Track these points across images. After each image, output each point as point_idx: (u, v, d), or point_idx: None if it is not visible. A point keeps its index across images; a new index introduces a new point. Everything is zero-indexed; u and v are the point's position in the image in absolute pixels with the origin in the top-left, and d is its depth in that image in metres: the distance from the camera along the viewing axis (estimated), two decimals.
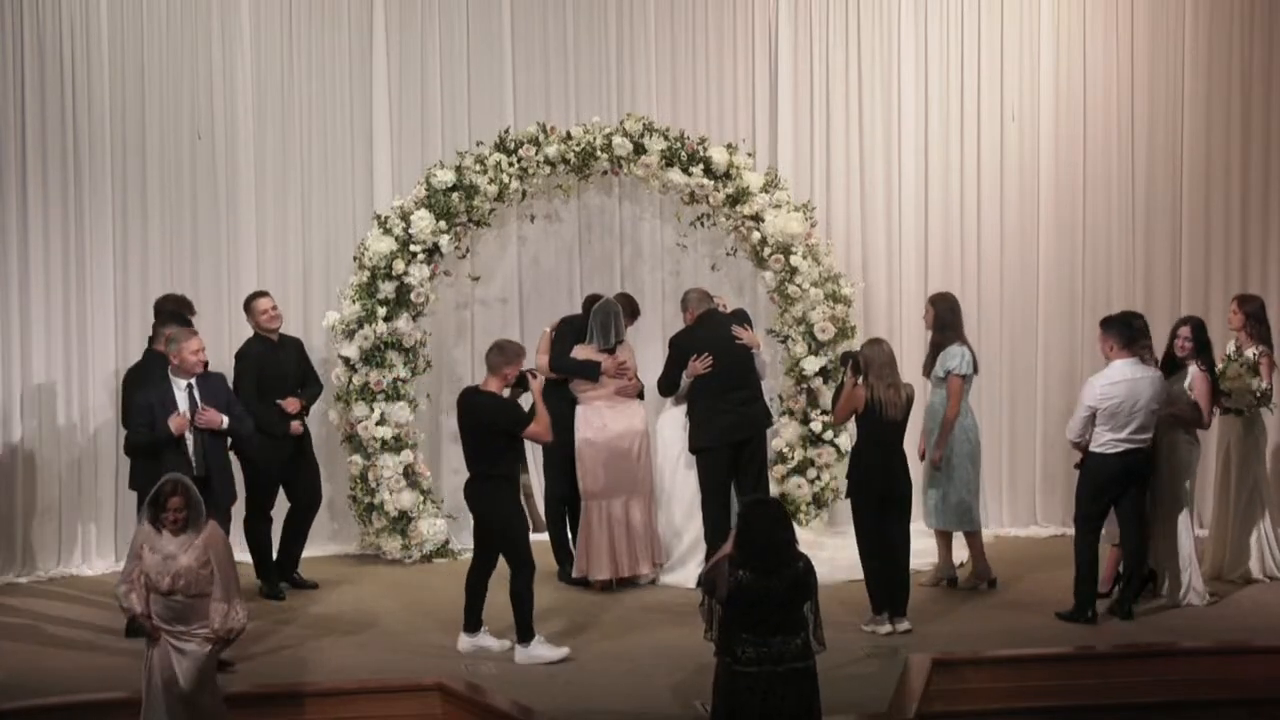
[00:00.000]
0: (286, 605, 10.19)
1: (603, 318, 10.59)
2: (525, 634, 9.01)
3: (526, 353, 9.45)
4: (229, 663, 8.52)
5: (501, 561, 9.11)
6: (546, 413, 9.14)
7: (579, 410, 10.49)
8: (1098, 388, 9.51)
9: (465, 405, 9.11)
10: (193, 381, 9.00)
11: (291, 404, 10.36)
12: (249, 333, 10.73)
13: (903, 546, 9.50)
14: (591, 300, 10.86)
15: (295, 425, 10.42)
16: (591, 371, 10.51)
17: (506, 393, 9.13)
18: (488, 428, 8.96)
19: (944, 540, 10.46)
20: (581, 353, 10.57)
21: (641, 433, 10.47)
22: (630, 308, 10.95)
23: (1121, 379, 9.47)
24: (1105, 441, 9.49)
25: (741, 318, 10.60)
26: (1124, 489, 9.56)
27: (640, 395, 10.71)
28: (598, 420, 10.45)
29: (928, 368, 10.39)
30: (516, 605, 9.00)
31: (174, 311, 10.04)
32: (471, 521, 8.91)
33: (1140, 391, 9.45)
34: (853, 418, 9.53)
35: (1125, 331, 9.59)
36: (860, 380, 9.36)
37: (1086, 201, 12.15)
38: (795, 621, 7.00)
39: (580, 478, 10.46)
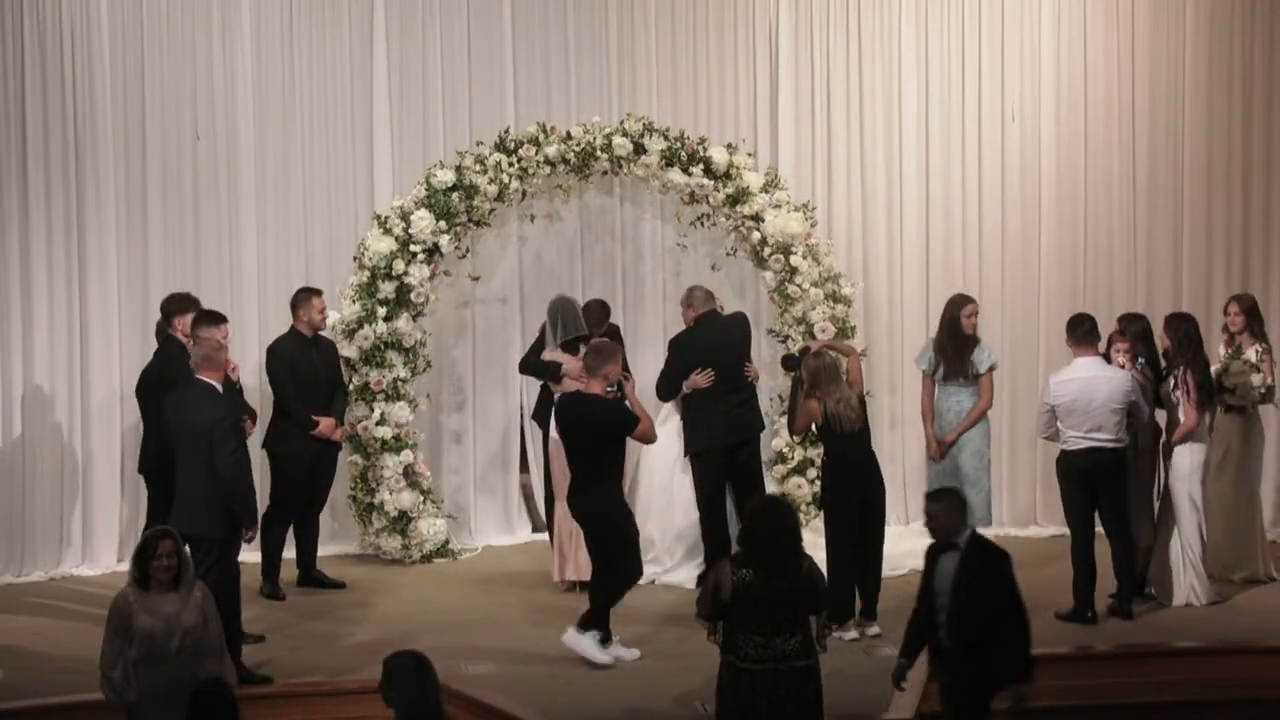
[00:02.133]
0: (286, 606, 10.19)
1: (553, 313, 10.55)
2: (588, 624, 8.89)
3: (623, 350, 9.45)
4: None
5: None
6: (646, 413, 9.11)
7: (553, 411, 10.50)
8: (1051, 385, 9.67)
9: (574, 410, 9.04)
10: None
11: (328, 427, 10.36)
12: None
13: (878, 551, 9.41)
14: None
15: (338, 433, 10.49)
16: (552, 373, 10.49)
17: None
18: (601, 431, 8.91)
19: None
20: (547, 354, 10.55)
21: None
22: (600, 315, 10.84)
23: (1073, 378, 9.55)
24: (1068, 439, 9.57)
25: (741, 321, 10.55)
26: (1097, 487, 9.56)
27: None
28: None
29: (966, 367, 10.30)
30: (594, 597, 8.92)
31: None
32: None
33: (1094, 391, 9.46)
34: (811, 428, 9.50)
35: (1080, 331, 9.65)
36: (814, 393, 9.29)
37: (1087, 201, 12.14)
38: (797, 620, 7.01)
39: (550, 478, 10.49)
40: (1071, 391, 9.50)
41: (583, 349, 10.51)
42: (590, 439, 8.93)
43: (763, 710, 6.91)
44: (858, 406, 9.33)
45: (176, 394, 8.74)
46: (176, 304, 9.97)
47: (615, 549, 8.96)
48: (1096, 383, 9.49)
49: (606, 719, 8.23)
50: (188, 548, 7.58)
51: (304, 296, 10.50)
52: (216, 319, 9.64)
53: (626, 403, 9.13)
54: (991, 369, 10.38)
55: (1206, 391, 9.81)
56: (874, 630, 9.36)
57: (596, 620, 8.91)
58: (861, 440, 9.37)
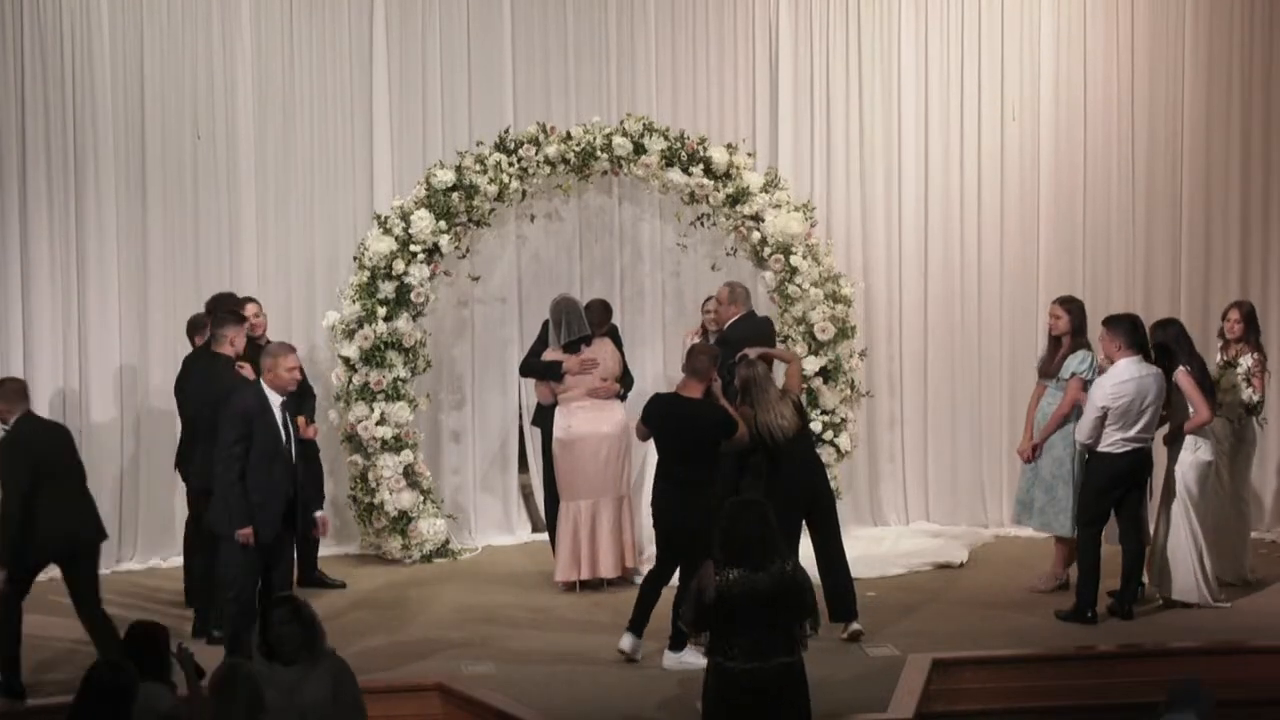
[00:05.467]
0: None
1: (556, 314, 10.51)
2: (681, 642, 8.84)
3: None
4: None
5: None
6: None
7: (555, 410, 10.49)
8: (1108, 387, 9.51)
9: (673, 412, 8.97)
10: (284, 400, 8.64)
11: (302, 426, 10.29)
12: None
13: (839, 552, 9.30)
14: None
15: (312, 431, 10.36)
16: (554, 372, 10.47)
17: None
18: (705, 434, 8.87)
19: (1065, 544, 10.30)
20: (549, 354, 10.53)
21: (611, 436, 10.33)
22: (602, 315, 10.80)
23: (1129, 377, 9.49)
24: (1114, 441, 9.50)
25: (770, 325, 10.46)
26: (1128, 489, 9.58)
27: (622, 397, 10.64)
28: (564, 422, 10.41)
29: (1054, 368, 10.18)
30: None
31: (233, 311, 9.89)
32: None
33: (1147, 389, 9.48)
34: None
35: (1131, 331, 9.61)
36: (745, 402, 9.16)
37: (1087, 201, 12.15)
38: (780, 618, 7.00)
39: (556, 478, 10.47)
40: (1130, 392, 9.44)
41: (584, 349, 10.52)
42: (693, 442, 8.87)
43: (751, 709, 6.91)
44: (790, 414, 9.14)
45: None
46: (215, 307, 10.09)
47: (688, 554, 8.79)
48: (1147, 381, 9.49)
49: (607, 719, 8.23)
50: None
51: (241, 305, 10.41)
52: (238, 318, 9.72)
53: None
54: (1074, 375, 9.98)
55: (1208, 389, 9.82)
56: (855, 627, 9.25)
57: (683, 633, 8.77)
58: (798, 445, 9.19)
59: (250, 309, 10.33)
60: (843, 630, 9.24)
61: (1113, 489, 9.57)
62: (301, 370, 10.57)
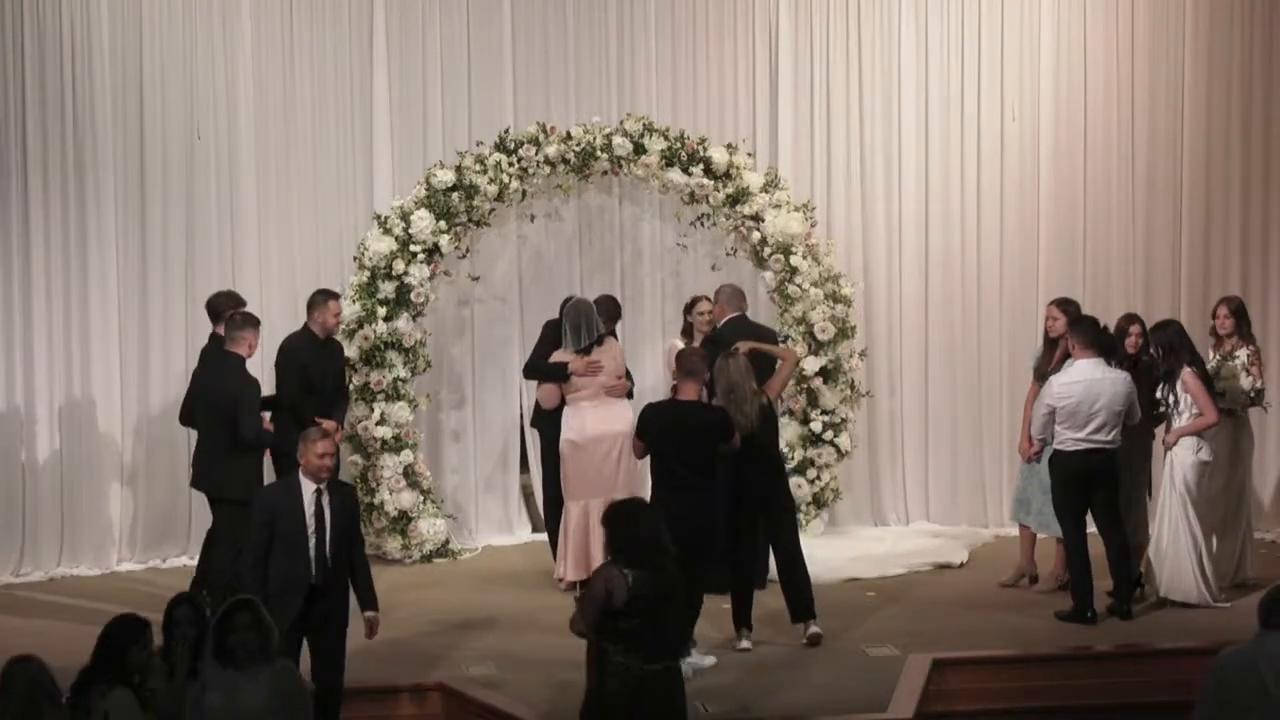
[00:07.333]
0: None
1: (573, 318, 10.46)
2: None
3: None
4: None
5: None
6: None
7: (564, 411, 10.47)
8: (1055, 386, 9.58)
9: (672, 416, 8.95)
10: (322, 487, 7.81)
11: (330, 429, 10.17)
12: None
13: (797, 554, 9.23)
14: (567, 302, 10.74)
15: (339, 436, 10.21)
16: (559, 373, 10.46)
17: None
18: (704, 436, 8.85)
19: (1030, 540, 10.37)
20: (559, 356, 10.51)
21: (622, 434, 10.29)
22: (612, 310, 10.84)
23: (1080, 379, 9.50)
24: (1064, 440, 9.52)
25: (766, 333, 10.48)
26: (1091, 488, 9.56)
27: (630, 395, 10.64)
28: (576, 421, 10.38)
29: (1052, 369, 10.09)
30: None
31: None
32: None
33: (1099, 392, 9.45)
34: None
35: (1092, 331, 9.61)
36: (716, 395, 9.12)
37: (1087, 201, 12.15)
38: (680, 617, 7.11)
39: (562, 478, 10.46)
40: (1078, 393, 9.46)
41: (594, 350, 10.51)
42: (693, 445, 8.84)
43: (662, 709, 6.93)
44: (752, 413, 9.01)
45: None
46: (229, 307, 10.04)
47: (709, 557, 8.80)
48: (1101, 384, 9.48)
49: None
50: None
51: (320, 298, 10.31)
52: (257, 322, 9.75)
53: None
54: None
55: (1212, 390, 9.83)
56: (814, 629, 9.17)
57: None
58: (761, 444, 9.09)
59: (335, 305, 10.27)
60: (802, 633, 9.20)
61: (1072, 486, 9.56)
62: (343, 373, 10.52)
